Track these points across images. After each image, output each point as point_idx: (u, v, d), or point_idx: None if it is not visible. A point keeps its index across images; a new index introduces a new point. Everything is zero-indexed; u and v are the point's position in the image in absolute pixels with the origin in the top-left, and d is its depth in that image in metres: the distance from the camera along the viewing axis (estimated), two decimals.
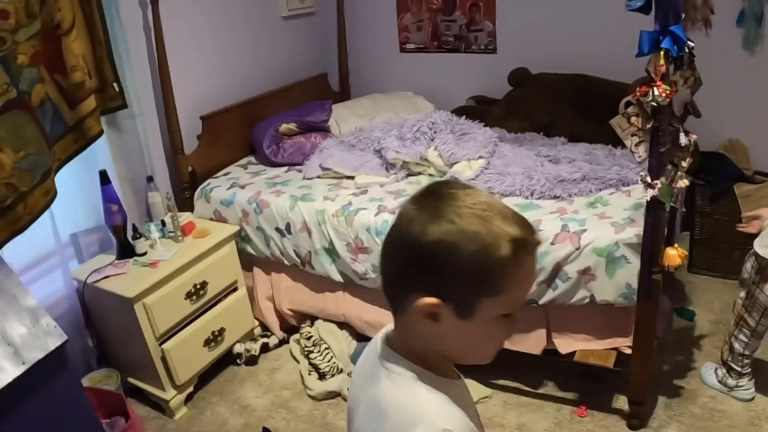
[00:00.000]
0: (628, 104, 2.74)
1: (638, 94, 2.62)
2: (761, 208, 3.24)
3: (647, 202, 2.79)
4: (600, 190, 3.60)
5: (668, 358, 3.84)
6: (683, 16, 2.67)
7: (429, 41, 5.26)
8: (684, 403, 3.50)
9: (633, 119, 2.72)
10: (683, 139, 2.83)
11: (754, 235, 3.91)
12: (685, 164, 2.89)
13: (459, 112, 4.62)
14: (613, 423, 3.41)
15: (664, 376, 3.70)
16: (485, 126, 4.32)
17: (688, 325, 4.12)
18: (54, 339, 2.49)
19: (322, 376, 3.79)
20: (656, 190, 2.72)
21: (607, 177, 3.59)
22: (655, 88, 2.58)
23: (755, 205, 4.25)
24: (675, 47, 2.56)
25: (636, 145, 2.76)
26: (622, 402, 3.47)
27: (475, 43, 5.09)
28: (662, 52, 2.56)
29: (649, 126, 2.68)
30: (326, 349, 3.87)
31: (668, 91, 2.57)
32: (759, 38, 4.35)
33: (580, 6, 4.61)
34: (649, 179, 2.73)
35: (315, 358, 3.85)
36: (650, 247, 2.90)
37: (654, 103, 2.59)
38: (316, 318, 4.08)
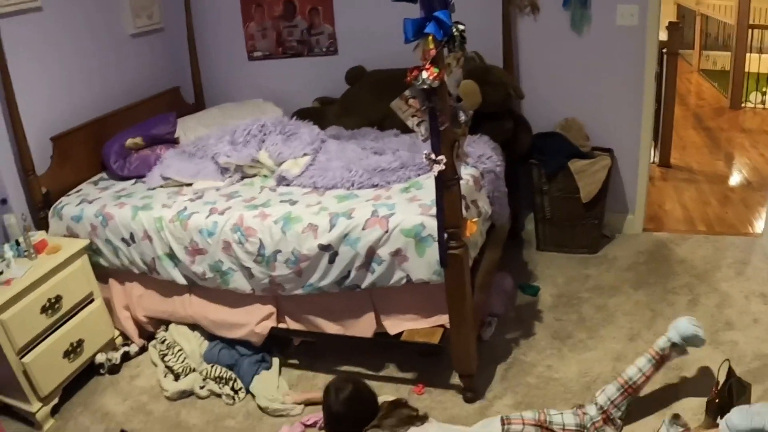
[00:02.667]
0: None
1: (410, 78, 2.74)
2: None
3: (435, 177, 2.91)
4: (418, 175, 3.78)
5: (509, 332, 4.00)
6: (452, 1, 2.79)
7: (274, 47, 5.39)
8: (520, 375, 3.67)
9: (411, 101, 2.85)
10: (462, 117, 2.96)
11: (591, 210, 4.05)
12: (465, 139, 3.05)
13: (301, 114, 4.78)
14: (450, 398, 3.57)
15: (503, 349, 3.88)
16: (322, 125, 4.49)
17: (532, 300, 4.29)
18: None
19: (176, 377, 3.92)
20: (441, 165, 2.83)
21: (424, 163, 3.71)
22: (424, 72, 2.69)
23: (590, 179, 4.44)
24: (440, 31, 2.68)
25: (417, 125, 2.88)
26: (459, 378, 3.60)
27: (317, 46, 5.25)
28: (430, 37, 2.67)
29: (424, 107, 2.80)
30: (179, 351, 3.98)
31: (437, 74, 2.69)
32: (586, 19, 4.53)
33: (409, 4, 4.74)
34: (433, 156, 2.85)
35: (169, 360, 3.98)
36: (445, 222, 3.02)
37: (425, 86, 2.71)
38: (170, 323, 4.17)
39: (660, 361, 3.13)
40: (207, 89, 5.66)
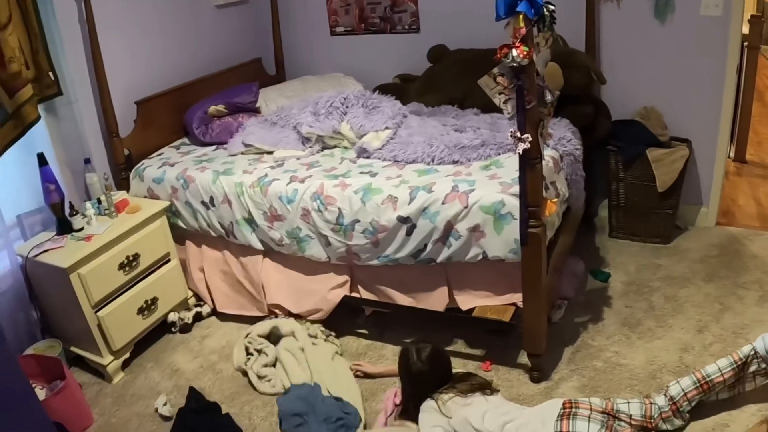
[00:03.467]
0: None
1: (500, 55, 2.77)
2: None
3: (520, 155, 2.94)
4: (499, 154, 3.79)
5: (579, 316, 4.02)
6: None
7: (357, 24, 5.45)
8: (587, 358, 3.67)
9: (499, 79, 2.88)
10: (548, 96, 2.98)
11: (666, 200, 3.96)
12: (549, 118, 3.09)
13: (382, 89, 4.84)
14: (516, 377, 3.60)
15: (572, 333, 3.89)
16: (402, 101, 4.57)
17: (602, 286, 4.30)
18: None
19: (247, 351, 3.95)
20: (527, 143, 2.86)
21: (505, 142, 3.75)
22: (514, 50, 2.72)
23: (667, 169, 4.42)
24: (532, 10, 2.70)
25: (504, 103, 2.91)
26: (527, 357, 3.62)
27: (399, 24, 5.28)
28: (521, 16, 2.70)
29: (512, 85, 2.83)
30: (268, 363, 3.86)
31: (526, 52, 2.72)
32: (669, 8, 4.47)
33: None
34: (518, 134, 2.88)
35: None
36: (527, 200, 3.05)
37: (514, 64, 2.74)
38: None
39: (741, 367, 3.05)
40: (288, 62, 5.76)
